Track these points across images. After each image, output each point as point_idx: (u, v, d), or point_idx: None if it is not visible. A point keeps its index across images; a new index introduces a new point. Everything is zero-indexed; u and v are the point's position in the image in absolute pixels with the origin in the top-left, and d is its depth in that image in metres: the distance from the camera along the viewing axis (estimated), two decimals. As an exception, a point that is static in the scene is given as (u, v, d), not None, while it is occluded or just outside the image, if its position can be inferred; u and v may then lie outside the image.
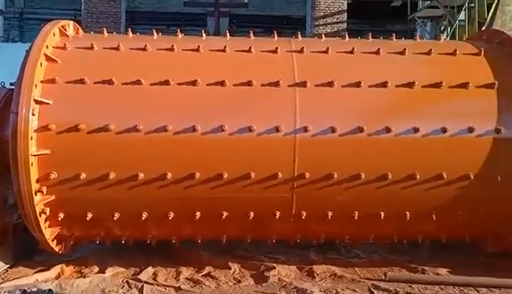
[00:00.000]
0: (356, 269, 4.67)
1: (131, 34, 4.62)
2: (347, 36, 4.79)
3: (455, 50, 4.53)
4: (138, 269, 4.51)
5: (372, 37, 4.87)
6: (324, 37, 4.80)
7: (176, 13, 20.16)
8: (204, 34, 4.61)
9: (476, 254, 5.08)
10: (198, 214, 4.20)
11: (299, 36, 4.71)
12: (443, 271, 4.62)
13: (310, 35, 13.84)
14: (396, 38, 4.91)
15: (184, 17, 19.99)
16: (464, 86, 4.26)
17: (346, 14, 14.68)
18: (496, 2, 8.14)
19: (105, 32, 4.59)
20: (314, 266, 4.61)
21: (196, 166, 4.04)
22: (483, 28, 7.93)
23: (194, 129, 3.98)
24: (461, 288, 4.20)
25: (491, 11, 8.26)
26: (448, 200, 4.29)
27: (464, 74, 4.33)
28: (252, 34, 4.67)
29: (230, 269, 4.56)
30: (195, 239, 4.57)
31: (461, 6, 9.81)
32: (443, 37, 10.33)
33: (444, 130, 4.13)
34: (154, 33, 4.58)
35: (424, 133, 4.14)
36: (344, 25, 14.61)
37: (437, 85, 4.25)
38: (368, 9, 19.70)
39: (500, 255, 4.94)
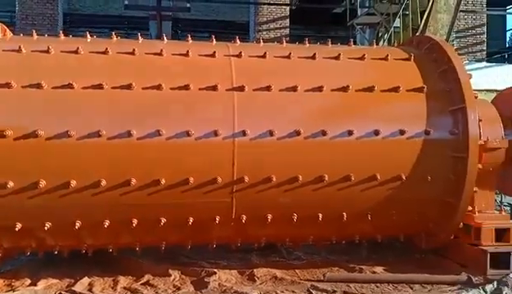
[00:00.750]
0: (296, 270, 4.73)
1: (62, 36, 4.45)
2: (284, 41, 4.85)
3: (387, 55, 4.70)
4: (73, 281, 4.34)
5: (314, 43, 4.97)
6: (262, 42, 4.84)
7: (118, 16, 19.66)
8: (140, 38, 4.52)
9: (411, 252, 5.30)
10: (135, 221, 4.09)
11: (237, 40, 4.72)
12: (380, 269, 4.77)
13: (254, 40, 13.96)
14: (332, 44, 5.03)
15: (127, 20, 19.55)
16: (396, 90, 4.42)
17: (288, 20, 14.92)
18: (428, 10, 8.57)
19: (34, 34, 4.39)
20: (255, 270, 4.62)
21: (132, 172, 3.94)
22: (416, 35, 8.29)
23: (129, 134, 3.88)
24: (396, 285, 4.34)
25: (424, 18, 8.69)
26: (382, 200, 4.43)
27: (395, 78, 4.49)
28: (190, 38, 4.63)
29: (170, 276, 4.48)
30: (134, 247, 4.46)
31: (396, 14, 10.26)
32: (381, 43, 10.74)
33: (377, 132, 4.27)
34: (88, 36, 4.44)
35: (358, 136, 4.26)
36: (287, 31, 14.85)
37: (370, 89, 4.39)
38: (311, 15, 20.12)
39: (433, 251, 5.18)
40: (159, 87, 4.02)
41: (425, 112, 4.43)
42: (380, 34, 11.87)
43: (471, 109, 4.38)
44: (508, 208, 7.85)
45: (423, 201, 4.56)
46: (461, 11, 14.82)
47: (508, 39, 29.15)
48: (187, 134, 3.96)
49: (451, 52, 4.64)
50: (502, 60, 23.48)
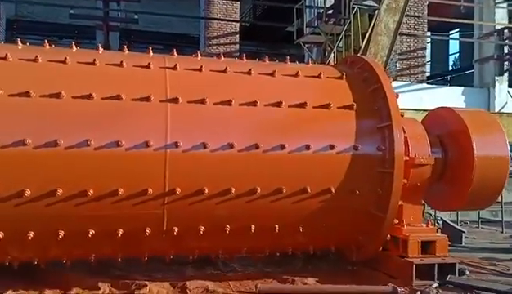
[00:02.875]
0: (230, 282, 4.74)
1: (-11, 42, 4.32)
2: (222, 56, 4.91)
3: (320, 73, 4.85)
4: (-3, 294, 4.17)
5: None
6: (200, 56, 4.88)
7: (68, 25, 19.27)
8: (74, 46, 4.46)
9: (345, 263, 5.43)
10: (61, 233, 3.99)
11: (175, 53, 4.74)
12: (312, 281, 4.85)
13: (204, 55, 13.98)
14: (271, 61, 5.13)
15: (76, 29, 19.22)
16: (327, 106, 4.57)
17: (238, 36, 15.12)
18: (369, 32, 8.95)
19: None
20: (188, 282, 4.58)
21: (59, 182, 3.85)
22: (351, 55, 8.64)
23: (56, 143, 3.80)
24: (324, 296, 4.43)
25: (365, 40, 9.06)
26: (313, 213, 4.54)
27: (326, 96, 4.65)
28: (126, 49, 4.62)
29: (99, 289, 4.39)
30: (61, 260, 4.34)
31: (340, 34, 10.62)
32: (328, 61, 11.07)
33: (308, 147, 4.39)
34: (19, 42, 4.34)
35: (290, 150, 4.36)
36: (237, 46, 15.03)
37: (303, 105, 4.52)
38: (265, 33, 20.50)
39: (365, 264, 5.33)
40: (89, 97, 3.97)
41: (354, 128, 4.60)
42: (327, 54, 12.23)
43: (397, 127, 4.58)
44: (441, 222, 8.19)
45: (351, 213, 4.71)
46: (404, 34, 15.55)
47: (452, 63, 30.78)
48: (117, 144, 3.92)
49: (381, 72, 4.86)
50: (445, 83, 24.74)
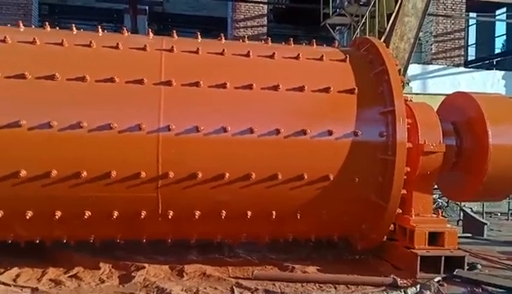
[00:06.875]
0: (229, 268, 4.72)
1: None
2: (223, 38, 4.82)
3: (322, 55, 4.68)
4: (3, 270, 4.32)
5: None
6: (200, 38, 4.79)
7: (106, 9, 19.63)
8: (74, 29, 4.50)
9: (352, 253, 5.30)
10: (58, 213, 4.08)
11: (175, 35, 4.70)
12: (313, 269, 4.76)
13: (231, 37, 13.91)
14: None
15: (115, 13, 19.53)
16: (326, 90, 4.41)
17: (266, 18, 14.91)
18: (395, 12, 8.57)
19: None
20: (186, 266, 4.61)
21: (53, 163, 3.92)
22: (383, 38, 8.30)
23: (49, 125, 3.87)
24: (321, 285, 4.33)
25: (391, 21, 8.69)
26: (311, 200, 4.42)
27: (327, 79, 4.48)
28: (126, 32, 4.61)
29: (100, 269, 4.48)
30: (62, 239, 4.45)
31: (364, 16, 10.22)
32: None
33: (304, 132, 4.26)
34: (21, 25, 4.42)
35: (286, 134, 4.25)
36: (265, 29, 14.83)
37: (301, 88, 4.38)
38: (300, 15, 20.14)
39: (374, 253, 5.18)
40: (83, 79, 4.00)
41: (355, 113, 4.42)
42: (358, 36, 11.84)
43: (400, 112, 4.37)
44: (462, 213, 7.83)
45: (352, 202, 4.56)
46: (440, 15, 14.84)
47: (501, 45, 29.09)
48: (109, 127, 3.95)
49: (386, 54, 4.63)
50: (491, 66, 23.53)
